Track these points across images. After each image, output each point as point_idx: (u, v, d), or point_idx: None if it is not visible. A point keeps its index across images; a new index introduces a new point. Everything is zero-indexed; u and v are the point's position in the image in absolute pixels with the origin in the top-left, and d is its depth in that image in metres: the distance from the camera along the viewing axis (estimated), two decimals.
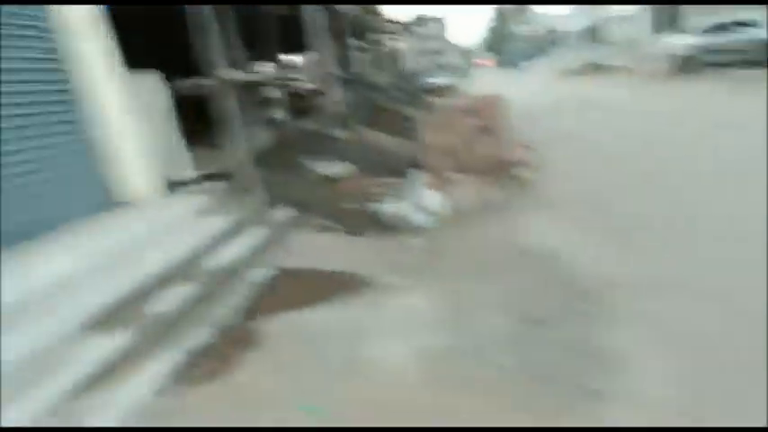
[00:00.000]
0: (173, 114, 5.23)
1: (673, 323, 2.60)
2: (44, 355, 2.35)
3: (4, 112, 3.37)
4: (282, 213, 4.91)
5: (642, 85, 14.07)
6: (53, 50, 3.91)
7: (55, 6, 3.88)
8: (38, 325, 2.50)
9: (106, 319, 2.65)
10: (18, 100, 3.52)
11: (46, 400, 2.14)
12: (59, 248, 3.33)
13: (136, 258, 3.28)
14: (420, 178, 5.44)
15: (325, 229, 4.74)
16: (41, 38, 3.82)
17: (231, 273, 3.60)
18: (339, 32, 11.16)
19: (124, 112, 4.40)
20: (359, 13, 12.77)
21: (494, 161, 5.91)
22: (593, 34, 30.88)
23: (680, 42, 14.52)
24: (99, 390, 2.30)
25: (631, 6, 24.88)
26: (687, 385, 2.13)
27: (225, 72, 4.79)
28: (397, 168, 6.32)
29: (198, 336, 2.86)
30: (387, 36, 20.38)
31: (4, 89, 3.40)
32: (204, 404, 2.35)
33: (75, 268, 2.99)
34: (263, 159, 6.18)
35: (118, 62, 4.39)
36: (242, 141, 5.08)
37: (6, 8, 3.51)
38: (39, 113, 3.69)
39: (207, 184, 5.08)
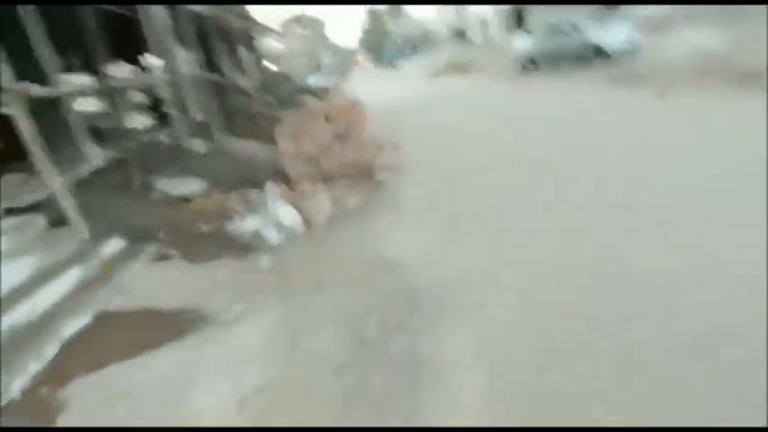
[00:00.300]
0: None
1: (493, 326, 2.72)
2: None
3: None
4: (113, 245, 4.32)
5: (493, 83, 15.30)
6: None
7: None
8: None
9: None
10: None
11: None
12: None
13: None
14: (275, 190, 5.21)
15: (164, 258, 4.27)
16: None
17: (30, 331, 3.03)
18: (201, 35, 10.34)
19: None
20: (220, 13, 11.97)
21: (352, 166, 5.91)
22: (460, 35, 33.14)
23: (522, 43, 16.14)
24: None
25: (488, 7, 27.16)
26: (499, 390, 2.24)
27: (18, 85, 4.03)
28: (255, 180, 6.00)
29: None
30: (260, 38, 19.51)
31: None
32: None
33: None
34: (96, 182, 5.43)
35: None
36: (54, 164, 4.35)
37: None
38: None
39: (11, 220, 4.26)
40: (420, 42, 42.16)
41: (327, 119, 6.45)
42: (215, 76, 10.73)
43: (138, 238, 4.52)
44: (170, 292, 3.64)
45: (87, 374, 2.77)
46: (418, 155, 6.83)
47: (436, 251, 3.78)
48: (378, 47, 49.52)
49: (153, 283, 3.82)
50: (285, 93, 15.48)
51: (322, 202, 4.98)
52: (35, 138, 4.19)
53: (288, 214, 4.72)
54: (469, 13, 31.25)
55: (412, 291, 3.20)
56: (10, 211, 4.38)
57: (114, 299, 3.56)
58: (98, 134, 6.31)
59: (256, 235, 4.55)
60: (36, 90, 4.24)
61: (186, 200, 5.57)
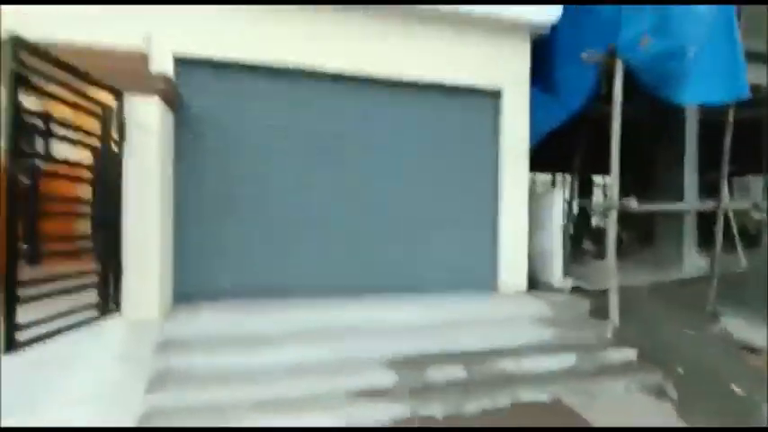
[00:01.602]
0: (562, 221, 5.65)
1: None
2: None
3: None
4: (622, 354, 4.23)
5: None
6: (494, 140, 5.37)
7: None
8: None
9: None
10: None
11: None
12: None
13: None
14: None
15: (658, 395, 3.69)
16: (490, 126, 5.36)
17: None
18: None
19: (521, 212, 5.37)
20: None
21: None
22: None
23: None
24: None
25: None
26: None
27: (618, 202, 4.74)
28: None
29: None
30: None
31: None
32: None
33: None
34: (670, 289, 5.37)
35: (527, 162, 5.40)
36: (644, 262, 4.80)
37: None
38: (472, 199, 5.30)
39: (560, 296, 5.15)
40: None
41: None
42: None
43: (653, 360, 4.16)
44: None
45: None
46: None
47: None
48: None
49: (619, 412, 3.49)
50: None
51: None
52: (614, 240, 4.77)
53: None
54: None
55: None
56: (578, 289, 5.32)
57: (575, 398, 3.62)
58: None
59: None
60: (634, 206, 4.76)
61: (752, 350, 4.34)
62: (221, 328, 3.78)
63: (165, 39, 4.22)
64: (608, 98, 4.82)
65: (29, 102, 3.02)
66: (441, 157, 5.19)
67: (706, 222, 6.11)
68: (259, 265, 4.62)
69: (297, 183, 4.76)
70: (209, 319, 3.93)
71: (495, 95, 5.26)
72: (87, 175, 3.72)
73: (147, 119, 3.81)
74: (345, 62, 4.73)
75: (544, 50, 5.55)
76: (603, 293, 4.86)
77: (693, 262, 6.33)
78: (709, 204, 5.51)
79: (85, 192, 3.98)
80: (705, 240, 6.18)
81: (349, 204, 4.90)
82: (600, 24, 4.97)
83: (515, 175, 5.36)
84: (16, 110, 2.74)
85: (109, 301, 3.59)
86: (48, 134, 3.38)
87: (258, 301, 4.42)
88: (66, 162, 3.73)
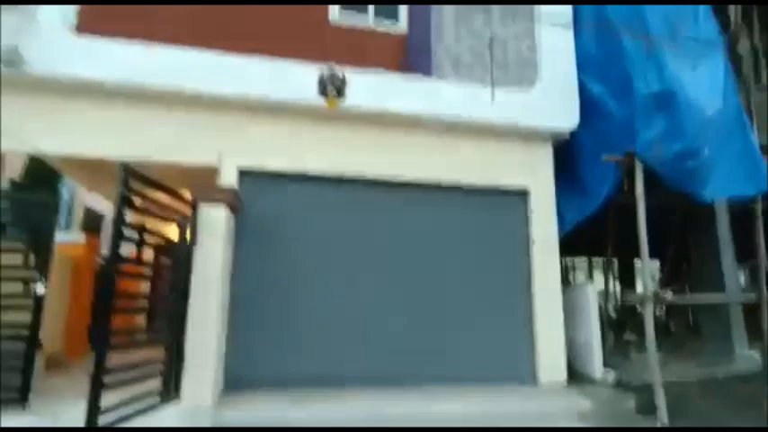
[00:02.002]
0: (596, 313, 5.65)
1: None
2: None
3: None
4: None
5: None
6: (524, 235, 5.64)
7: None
8: None
9: None
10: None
11: None
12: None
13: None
14: None
15: None
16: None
17: None
18: None
19: (555, 304, 5.47)
20: None
21: None
22: None
23: None
24: None
25: None
26: None
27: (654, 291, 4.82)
28: None
29: None
30: None
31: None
32: None
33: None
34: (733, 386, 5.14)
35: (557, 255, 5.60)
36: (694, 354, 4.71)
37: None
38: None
39: (604, 392, 5.02)
40: None
41: None
42: None
43: None
44: None
45: None
46: None
47: None
48: None
49: None
50: None
51: None
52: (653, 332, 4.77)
53: None
54: None
55: None
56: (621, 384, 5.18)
57: None
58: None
59: None
60: (670, 298, 4.81)
61: None
62: (269, 417, 4.00)
63: (233, 155, 5.01)
64: (631, 191, 5.11)
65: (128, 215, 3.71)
66: (475, 253, 5.53)
67: (753, 312, 5.93)
68: (306, 355, 4.91)
69: (343, 279, 5.18)
70: (258, 407, 4.17)
71: (522, 194, 5.69)
72: (162, 273, 4.31)
73: (215, 225, 4.45)
74: (387, 170, 5.36)
75: (570, 148, 6.00)
76: (649, 388, 4.73)
77: (744, 354, 6.03)
78: (750, 296, 5.43)
79: (158, 288, 4.56)
80: (754, 331, 5.94)
81: (392, 299, 5.24)
82: (616, 128, 5.44)
83: (547, 268, 5.57)
84: (121, 223, 3.39)
85: (170, 388, 3.95)
86: (141, 242, 4.03)
87: (305, 390, 4.63)
88: (145, 263, 4.37)
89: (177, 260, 4.25)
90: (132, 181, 3.51)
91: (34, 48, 4.40)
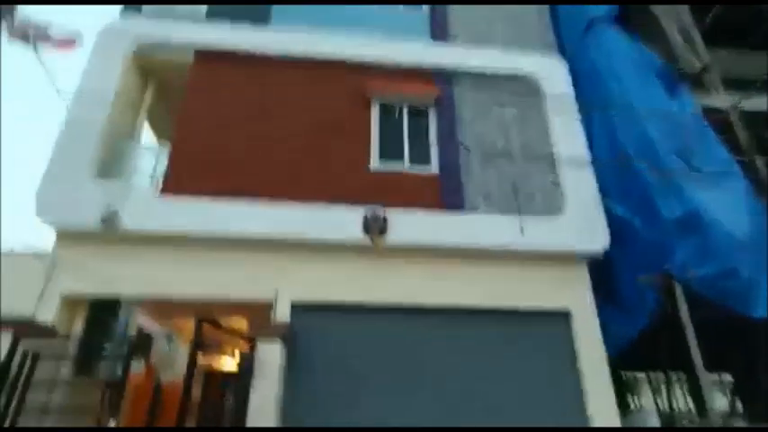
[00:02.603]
0: None
1: None
2: None
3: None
4: None
5: None
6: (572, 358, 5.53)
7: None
8: None
9: None
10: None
11: None
12: None
13: None
14: None
15: None
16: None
17: None
18: None
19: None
20: None
21: None
22: None
23: None
24: None
25: None
26: None
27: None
28: None
29: None
30: None
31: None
32: None
33: None
34: None
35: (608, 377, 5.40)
36: None
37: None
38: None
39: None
40: None
41: None
42: None
43: None
44: None
45: None
46: None
47: None
48: None
49: None
50: None
51: None
52: None
53: None
54: None
55: None
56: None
57: None
58: None
59: None
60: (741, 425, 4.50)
61: None
62: None
63: (288, 290, 5.47)
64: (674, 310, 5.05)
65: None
66: (522, 378, 5.46)
67: None
68: None
69: (394, 405, 5.19)
70: None
71: (565, 316, 5.74)
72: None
73: (270, 358, 4.76)
74: (433, 297, 5.64)
75: (607, 268, 6.10)
76: None
77: None
78: None
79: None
80: None
81: (443, 423, 5.13)
82: (648, 248, 5.60)
83: (599, 391, 5.37)
84: (194, 366, 3.77)
85: None
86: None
87: None
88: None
89: (235, 395, 4.51)
90: (203, 328, 3.96)
91: (127, 209, 5.28)
